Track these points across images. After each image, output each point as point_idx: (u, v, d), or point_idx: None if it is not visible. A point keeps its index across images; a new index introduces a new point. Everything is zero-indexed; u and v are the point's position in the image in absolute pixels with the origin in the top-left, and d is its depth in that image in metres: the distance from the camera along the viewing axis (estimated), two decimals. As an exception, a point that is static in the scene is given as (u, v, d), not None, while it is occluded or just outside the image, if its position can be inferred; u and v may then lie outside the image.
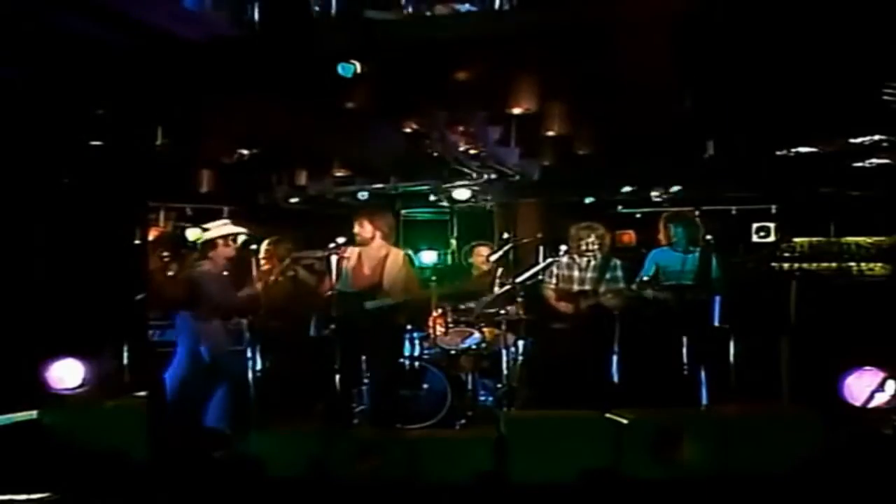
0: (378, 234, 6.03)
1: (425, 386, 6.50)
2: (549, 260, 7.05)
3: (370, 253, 5.97)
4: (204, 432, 6.11)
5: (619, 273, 6.60)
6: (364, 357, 5.94)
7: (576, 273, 6.69)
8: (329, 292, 5.85)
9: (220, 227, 6.48)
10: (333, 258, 5.80)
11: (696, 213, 6.90)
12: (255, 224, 7.93)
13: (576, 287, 6.64)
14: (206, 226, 6.55)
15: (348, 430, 5.89)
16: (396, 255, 6.02)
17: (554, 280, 6.75)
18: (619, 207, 8.79)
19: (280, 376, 6.67)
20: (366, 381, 6.25)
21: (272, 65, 4.99)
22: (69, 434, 5.60)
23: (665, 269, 6.39)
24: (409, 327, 6.89)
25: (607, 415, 5.21)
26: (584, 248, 6.61)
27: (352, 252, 5.92)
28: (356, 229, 5.96)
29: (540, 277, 6.87)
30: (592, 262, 6.63)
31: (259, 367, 6.75)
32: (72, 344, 6.14)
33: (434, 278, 6.87)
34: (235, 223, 6.61)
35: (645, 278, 6.34)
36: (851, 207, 7.83)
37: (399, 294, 5.92)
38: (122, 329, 6.61)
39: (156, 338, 6.98)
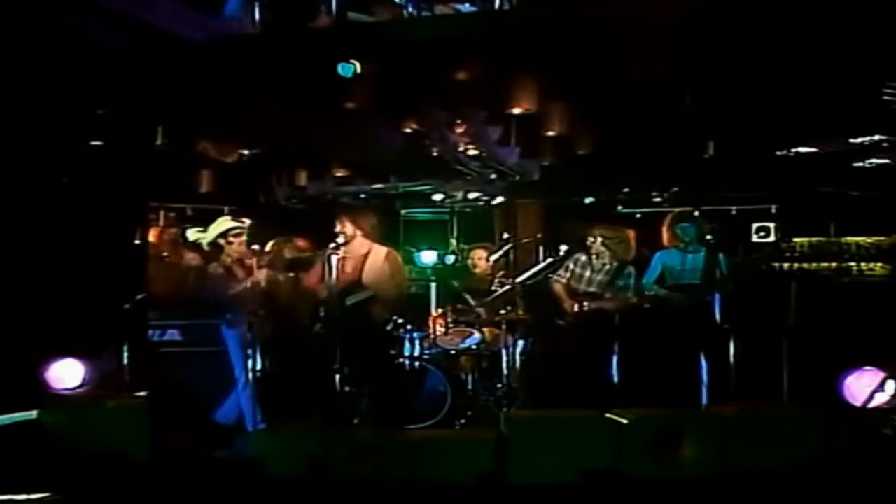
0: (359, 232, 6.07)
1: (425, 386, 6.51)
2: (550, 259, 7.06)
3: (352, 251, 6.02)
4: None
5: (632, 281, 6.60)
6: (353, 354, 5.94)
7: (587, 273, 6.69)
8: (321, 292, 5.88)
9: (217, 225, 6.53)
10: (334, 258, 5.82)
11: (696, 213, 6.90)
12: (255, 224, 7.93)
13: (583, 287, 6.64)
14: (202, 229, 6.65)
15: (348, 430, 5.90)
16: (378, 253, 6.05)
17: (568, 275, 6.75)
18: (620, 207, 8.77)
19: (278, 375, 6.69)
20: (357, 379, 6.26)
21: (272, 65, 4.99)
22: (69, 434, 5.60)
23: (670, 269, 6.39)
24: (408, 327, 6.90)
25: (607, 415, 5.22)
26: (602, 249, 6.62)
27: (342, 251, 5.96)
28: (338, 228, 6.01)
29: (549, 273, 6.88)
30: (607, 266, 6.63)
31: (259, 366, 6.78)
32: (72, 344, 6.15)
33: (434, 278, 6.87)
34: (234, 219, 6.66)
35: (651, 281, 6.33)
36: (851, 207, 7.82)
37: (377, 289, 5.95)
38: (122, 329, 6.62)
39: (156, 338, 6.96)
